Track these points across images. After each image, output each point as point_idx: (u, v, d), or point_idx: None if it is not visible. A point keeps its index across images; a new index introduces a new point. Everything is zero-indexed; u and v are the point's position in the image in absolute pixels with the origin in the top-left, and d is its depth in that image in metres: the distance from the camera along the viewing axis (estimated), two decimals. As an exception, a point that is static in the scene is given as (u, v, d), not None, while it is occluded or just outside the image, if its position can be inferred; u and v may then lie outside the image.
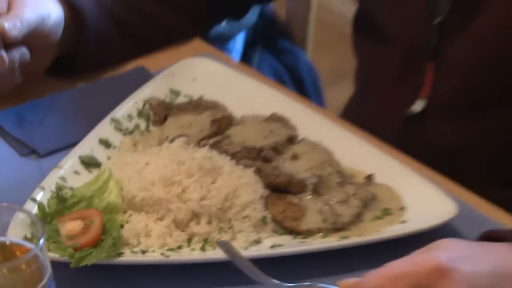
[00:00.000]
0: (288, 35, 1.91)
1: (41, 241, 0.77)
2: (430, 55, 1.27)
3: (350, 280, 0.90)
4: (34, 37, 1.25)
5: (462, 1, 1.26)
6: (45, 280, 0.78)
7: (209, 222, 1.05)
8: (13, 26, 1.19)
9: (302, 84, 1.81)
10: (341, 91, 1.49)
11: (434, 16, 1.27)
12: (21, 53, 1.24)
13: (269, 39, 1.86)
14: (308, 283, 0.95)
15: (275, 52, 1.84)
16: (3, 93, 1.25)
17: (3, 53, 1.20)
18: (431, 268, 0.87)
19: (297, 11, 1.94)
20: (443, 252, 0.89)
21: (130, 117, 1.22)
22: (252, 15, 1.76)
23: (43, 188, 1.06)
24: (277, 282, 0.94)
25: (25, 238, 0.84)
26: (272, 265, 0.98)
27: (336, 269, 1.01)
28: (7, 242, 0.82)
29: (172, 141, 1.14)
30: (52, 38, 1.28)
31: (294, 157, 1.14)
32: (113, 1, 1.35)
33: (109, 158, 1.15)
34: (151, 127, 1.22)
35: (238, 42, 1.81)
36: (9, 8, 1.24)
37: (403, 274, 0.89)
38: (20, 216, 0.85)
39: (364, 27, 1.42)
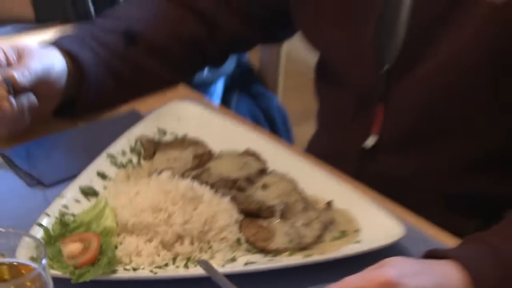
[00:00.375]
0: (261, 81, 1.91)
1: (44, 261, 0.77)
2: (379, 98, 1.26)
3: None
4: (40, 85, 1.24)
5: (406, 52, 1.25)
6: None
7: (191, 243, 1.04)
8: (22, 75, 1.20)
9: (274, 124, 1.82)
10: (307, 129, 1.51)
11: (382, 65, 1.26)
12: (29, 99, 1.23)
13: (245, 84, 1.86)
14: None
15: (251, 96, 1.85)
16: (14, 133, 1.26)
17: (13, 99, 1.18)
18: (382, 283, 0.87)
19: (269, 60, 1.95)
20: (392, 268, 0.89)
21: (124, 152, 1.22)
22: (230, 64, 1.77)
23: (48, 215, 1.05)
24: None
25: (31, 259, 0.82)
26: (245, 280, 0.97)
27: (301, 283, 1.00)
28: (15, 263, 0.82)
29: (160, 173, 1.14)
30: (56, 86, 1.28)
31: (264, 187, 1.14)
32: (110, 54, 1.35)
33: (105, 188, 1.15)
34: (142, 162, 1.22)
35: (218, 87, 1.82)
36: (19, 59, 1.23)
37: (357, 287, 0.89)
38: (26, 239, 0.84)
39: (324, 74, 1.42)
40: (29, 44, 1.30)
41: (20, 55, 1.24)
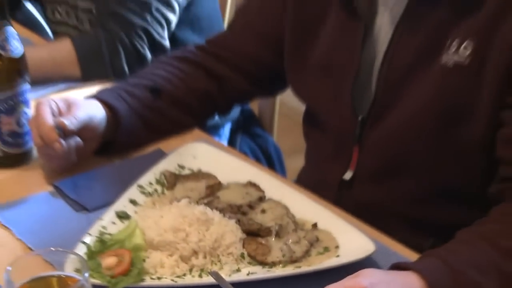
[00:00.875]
0: (260, 124, 1.90)
1: (86, 274, 0.79)
2: (355, 141, 1.27)
3: None
4: (84, 130, 1.25)
5: (377, 104, 1.23)
6: None
7: (204, 257, 1.04)
8: (70, 122, 1.21)
9: (270, 159, 1.81)
10: (297, 161, 1.50)
11: (358, 114, 1.25)
12: (76, 141, 1.24)
13: (247, 127, 1.85)
14: None
15: (251, 136, 1.83)
16: (63, 168, 1.26)
17: (63, 141, 1.19)
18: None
19: (266, 107, 1.95)
20: (365, 278, 0.89)
21: (150, 184, 1.22)
22: (235, 111, 1.77)
23: (90, 234, 1.06)
24: None
25: (76, 271, 0.82)
26: (248, 287, 0.98)
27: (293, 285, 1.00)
28: (63, 275, 0.83)
29: (179, 201, 1.14)
30: (97, 131, 1.28)
31: (263, 211, 1.14)
32: (140, 105, 1.36)
33: (136, 212, 1.14)
34: (165, 191, 1.21)
35: (226, 130, 1.81)
36: (68, 109, 1.24)
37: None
38: (72, 256, 0.85)
39: (310, 120, 1.41)
40: (76, 97, 1.31)
41: (69, 105, 1.25)
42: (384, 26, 1.23)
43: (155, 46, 1.66)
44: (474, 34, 1.12)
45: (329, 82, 1.29)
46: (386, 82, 1.21)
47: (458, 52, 1.13)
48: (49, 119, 1.19)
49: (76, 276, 0.81)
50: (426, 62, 1.17)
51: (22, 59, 1.25)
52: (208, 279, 0.99)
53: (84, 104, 1.27)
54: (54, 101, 1.24)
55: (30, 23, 2.00)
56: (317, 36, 1.31)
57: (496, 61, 1.11)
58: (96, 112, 1.27)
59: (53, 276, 0.83)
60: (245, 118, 1.86)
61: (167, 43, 1.68)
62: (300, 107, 1.42)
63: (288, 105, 1.89)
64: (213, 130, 1.73)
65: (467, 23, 1.13)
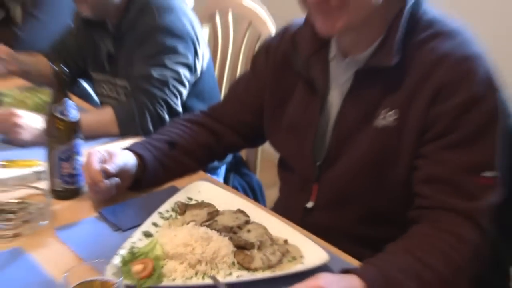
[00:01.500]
0: (247, 166, 1.88)
1: (120, 278, 0.83)
2: (314, 180, 1.26)
3: None
4: (121, 172, 1.25)
5: (330, 154, 1.22)
6: None
7: (206, 265, 1.04)
8: (111, 167, 1.21)
9: (254, 192, 1.78)
10: (274, 194, 1.46)
11: (316, 161, 1.24)
12: (115, 180, 1.23)
13: (237, 168, 1.82)
14: None
15: (241, 175, 1.81)
16: (105, 199, 1.25)
17: (106, 181, 1.21)
18: (316, 287, 0.89)
19: (251, 154, 1.92)
20: (322, 279, 0.90)
21: (167, 211, 1.22)
22: (229, 157, 1.75)
23: (123, 248, 1.06)
24: None
25: (114, 275, 0.86)
26: (237, 286, 0.99)
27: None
28: (104, 280, 0.85)
29: (188, 223, 1.14)
30: (130, 173, 1.28)
31: (248, 231, 1.13)
32: (161, 154, 1.35)
33: (156, 232, 1.14)
34: (178, 216, 1.21)
35: (222, 171, 1.78)
36: (109, 157, 1.24)
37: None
38: (110, 265, 0.87)
39: (282, 164, 1.41)
40: (115, 148, 1.31)
41: (110, 155, 1.25)
42: (335, 99, 1.22)
43: (172, 112, 1.65)
44: (397, 106, 1.12)
45: (296, 139, 1.28)
46: (336, 139, 1.21)
47: (386, 118, 1.14)
48: (96, 165, 1.20)
49: (114, 279, 0.83)
50: (364, 125, 1.16)
51: (77, 122, 1.26)
52: (209, 281, 0.99)
53: (121, 154, 1.27)
54: (100, 152, 1.24)
55: (84, 96, 2.01)
56: (287, 105, 1.30)
57: (412, 124, 1.11)
58: (130, 159, 1.28)
59: (97, 279, 0.84)
60: (236, 162, 1.85)
61: (180, 109, 1.67)
62: (276, 154, 1.40)
63: (267, 152, 1.92)
64: (212, 171, 1.73)
65: (392, 98, 1.13)
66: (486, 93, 1.08)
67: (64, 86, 1.24)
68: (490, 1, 2.15)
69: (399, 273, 0.96)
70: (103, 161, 1.23)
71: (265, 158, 1.94)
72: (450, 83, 1.07)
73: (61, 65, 1.22)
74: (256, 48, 1.90)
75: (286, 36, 1.33)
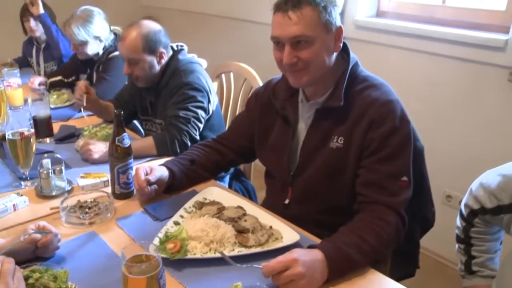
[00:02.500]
0: (244, 175, 1.84)
1: (158, 253, 0.80)
2: (289, 184, 1.23)
3: (265, 263, 0.89)
4: (158, 181, 1.23)
5: (299, 165, 1.19)
6: (160, 266, 0.79)
7: (216, 244, 1.02)
8: (152, 178, 1.20)
9: (249, 193, 1.74)
10: (263, 195, 1.41)
11: (290, 171, 1.21)
12: (154, 187, 1.22)
13: (237, 177, 1.78)
14: (251, 265, 0.92)
15: (240, 181, 1.77)
16: (148, 200, 1.23)
17: (149, 187, 1.20)
18: (291, 259, 0.88)
19: (247, 167, 1.87)
20: (295, 252, 0.90)
21: (190, 207, 1.19)
22: (231, 170, 1.72)
23: (160, 232, 1.05)
24: (239, 264, 0.93)
25: (154, 251, 0.83)
26: (238, 259, 0.96)
27: (261, 259, 0.97)
28: (147, 254, 0.82)
29: (204, 216, 1.12)
30: (164, 181, 1.25)
31: (245, 220, 1.11)
32: (184, 168, 1.31)
33: (182, 221, 1.11)
34: (197, 211, 1.17)
35: (227, 179, 1.74)
36: (150, 171, 1.22)
37: (281, 261, 0.88)
38: (152, 244, 0.84)
39: (267, 174, 1.36)
40: (154, 165, 1.28)
41: (151, 169, 1.23)
42: (302, 129, 1.21)
43: (192, 139, 1.61)
44: (344, 134, 1.11)
45: (276, 156, 1.26)
46: (303, 156, 1.19)
47: (337, 141, 1.13)
48: (142, 177, 1.19)
49: (155, 254, 0.81)
50: (322, 146, 1.15)
51: (129, 147, 1.24)
52: (218, 255, 0.98)
53: (158, 168, 1.25)
54: (144, 167, 1.23)
55: (134, 129, 1.99)
56: (270, 134, 1.28)
57: (354, 146, 1.10)
58: (164, 172, 1.25)
59: (143, 254, 0.83)
60: (237, 172, 1.81)
61: (198, 138, 1.63)
62: (263, 167, 1.37)
63: (258, 166, 1.92)
64: (220, 179, 1.69)
65: (340, 129, 1.12)
66: (401, 124, 1.09)
67: (122, 124, 1.23)
68: (398, 67, 2.18)
69: (346, 246, 0.95)
70: (147, 173, 1.21)
71: (256, 169, 1.91)
72: (378, 118, 1.08)
73: (121, 110, 1.22)
74: (248, 97, 1.91)
75: (269, 86, 1.31)
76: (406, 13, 2.22)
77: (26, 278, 0.84)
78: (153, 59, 1.64)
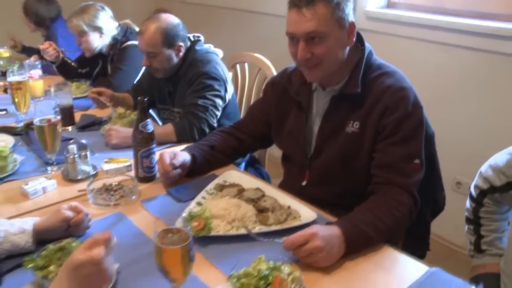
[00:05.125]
0: (259, 162, 1.86)
1: (188, 228, 0.79)
2: (307, 167, 1.25)
3: (286, 237, 0.92)
4: (182, 165, 1.25)
5: (315, 149, 1.22)
6: (190, 239, 0.78)
7: (238, 222, 1.05)
8: (177, 162, 1.23)
9: (264, 178, 1.74)
10: (276, 181, 1.44)
11: (308, 154, 1.24)
12: (178, 171, 1.24)
13: (252, 164, 1.80)
14: (272, 239, 0.95)
15: (255, 168, 1.78)
16: (172, 183, 1.26)
17: (174, 171, 1.22)
18: (311, 233, 0.91)
19: (262, 154, 1.90)
20: (314, 228, 0.93)
21: (211, 189, 1.21)
22: (247, 156, 1.74)
23: (185, 212, 1.07)
24: (261, 238, 0.97)
25: (184, 227, 0.84)
26: (259, 235, 0.99)
27: (280, 236, 0.96)
28: (179, 228, 0.82)
29: (224, 197, 1.15)
30: (186, 166, 1.28)
31: (265, 201, 1.14)
32: (205, 153, 1.34)
33: (204, 202, 1.14)
34: (218, 193, 1.20)
35: (242, 166, 1.75)
36: (174, 156, 1.24)
37: (301, 235, 0.90)
38: (179, 220, 0.90)
39: (285, 157, 1.38)
40: (177, 150, 1.30)
41: (175, 154, 1.25)
42: (316, 114, 1.23)
43: (210, 127, 1.63)
44: (359, 119, 1.14)
45: (293, 141, 1.28)
46: (320, 140, 1.21)
47: (353, 126, 1.15)
48: (168, 161, 1.22)
49: (184, 229, 0.82)
50: (338, 131, 1.17)
51: (152, 133, 1.26)
52: (241, 232, 1.01)
53: (181, 154, 1.27)
54: (168, 152, 1.25)
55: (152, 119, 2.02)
56: (286, 119, 1.30)
57: (369, 131, 1.13)
58: (186, 157, 1.27)
59: (174, 227, 0.81)
60: (252, 159, 1.82)
61: (215, 125, 1.65)
62: (276, 156, 1.38)
63: (272, 155, 1.93)
64: (237, 165, 1.69)
65: (356, 114, 1.15)
66: (414, 110, 1.11)
67: (145, 110, 1.26)
68: (411, 56, 2.18)
69: (363, 223, 0.98)
70: (171, 158, 1.24)
71: (270, 159, 1.93)
72: (392, 104, 1.11)
73: (144, 97, 1.25)
74: (264, 85, 1.91)
75: (285, 74, 1.33)
76: (416, 3, 2.23)
77: (64, 248, 0.90)
78: (172, 53, 1.67)
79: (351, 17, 1.10)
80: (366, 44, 1.17)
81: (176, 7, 3.39)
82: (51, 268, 0.86)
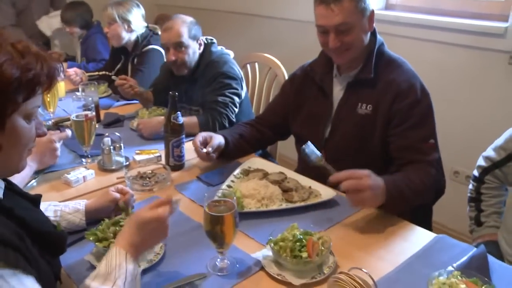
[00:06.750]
0: (271, 155, 1.88)
1: (234, 198, 0.87)
2: (323, 146, 1.28)
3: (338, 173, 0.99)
4: (216, 148, 1.30)
5: (332, 130, 1.26)
6: (235, 208, 0.85)
7: (267, 200, 1.12)
8: (211, 146, 1.29)
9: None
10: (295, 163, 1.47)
11: (324, 135, 1.29)
12: (213, 154, 1.29)
13: (265, 157, 1.73)
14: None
15: (267, 159, 1.79)
16: (207, 163, 1.33)
17: (209, 155, 1.28)
18: (365, 173, 1.00)
19: (273, 149, 1.93)
20: (367, 171, 1.01)
21: (238, 173, 1.28)
22: (260, 151, 1.75)
23: (219, 193, 1.05)
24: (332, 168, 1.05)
25: (230, 196, 0.89)
26: (284, 212, 1.08)
27: (304, 211, 1.08)
28: (225, 200, 0.88)
29: (250, 180, 1.22)
30: (220, 149, 1.33)
31: (288, 182, 1.21)
32: (235, 140, 1.38)
33: (234, 184, 1.21)
34: (244, 177, 1.27)
35: (258, 153, 1.72)
36: (210, 139, 1.30)
37: (356, 171, 1.00)
38: (227, 190, 0.94)
39: (299, 141, 1.39)
40: (212, 133, 1.34)
41: (211, 137, 1.31)
42: (335, 98, 1.29)
43: (230, 121, 1.69)
44: (372, 102, 1.21)
45: (312, 123, 1.33)
46: (336, 121, 1.28)
47: (366, 108, 1.22)
48: (201, 142, 1.29)
49: (230, 200, 0.87)
50: (352, 113, 1.24)
51: (182, 124, 1.34)
52: (271, 208, 1.08)
53: (216, 136, 1.32)
54: (204, 136, 1.31)
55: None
56: (304, 105, 1.36)
57: (381, 115, 1.19)
58: (221, 140, 1.33)
59: (221, 199, 0.89)
60: (264, 153, 1.82)
61: (234, 120, 1.71)
62: (285, 153, 1.43)
63: (281, 153, 1.97)
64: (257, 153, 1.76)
65: (368, 98, 1.22)
66: (422, 96, 1.20)
67: (175, 104, 1.33)
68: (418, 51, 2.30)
69: (401, 182, 1.07)
70: (206, 140, 1.29)
71: (280, 153, 1.98)
72: (402, 92, 1.19)
73: (175, 92, 1.33)
74: (274, 84, 2.02)
75: (304, 68, 1.42)
76: (413, 5, 2.33)
77: (118, 222, 0.99)
78: (196, 46, 1.76)
79: (370, 6, 1.20)
80: (378, 36, 1.26)
81: (178, 13, 3.45)
82: (110, 240, 0.96)
